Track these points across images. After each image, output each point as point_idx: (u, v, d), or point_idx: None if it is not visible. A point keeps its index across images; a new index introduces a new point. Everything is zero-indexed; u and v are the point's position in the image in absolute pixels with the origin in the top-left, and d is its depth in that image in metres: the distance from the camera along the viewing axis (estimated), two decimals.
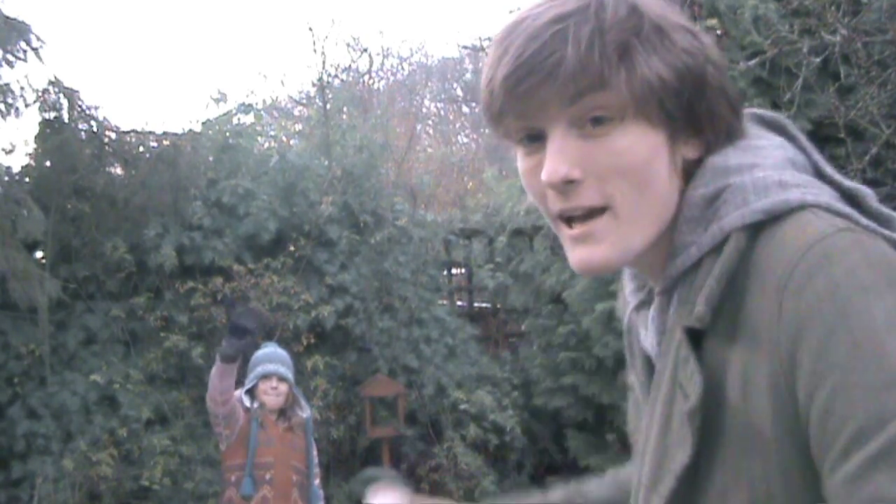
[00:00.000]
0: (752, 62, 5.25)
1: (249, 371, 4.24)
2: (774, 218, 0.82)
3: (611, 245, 0.86)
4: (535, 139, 0.86)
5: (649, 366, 0.98)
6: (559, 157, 0.84)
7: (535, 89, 0.82)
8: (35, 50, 6.03)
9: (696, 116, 0.86)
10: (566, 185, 0.84)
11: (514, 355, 7.68)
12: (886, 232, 0.83)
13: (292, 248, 6.65)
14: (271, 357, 4.28)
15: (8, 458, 5.89)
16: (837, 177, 0.90)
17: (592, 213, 0.86)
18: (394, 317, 6.87)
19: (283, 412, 4.15)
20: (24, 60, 6.04)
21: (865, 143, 5.28)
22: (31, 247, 6.24)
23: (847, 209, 0.85)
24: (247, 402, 4.11)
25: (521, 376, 7.25)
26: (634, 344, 1.02)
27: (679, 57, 0.84)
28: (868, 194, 0.89)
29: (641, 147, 0.84)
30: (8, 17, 5.98)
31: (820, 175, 0.90)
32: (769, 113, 0.96)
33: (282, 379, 4.17)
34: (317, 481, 4.27)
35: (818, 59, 5.07)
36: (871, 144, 5.18)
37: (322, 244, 6.83)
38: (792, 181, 0.85)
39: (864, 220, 0.84)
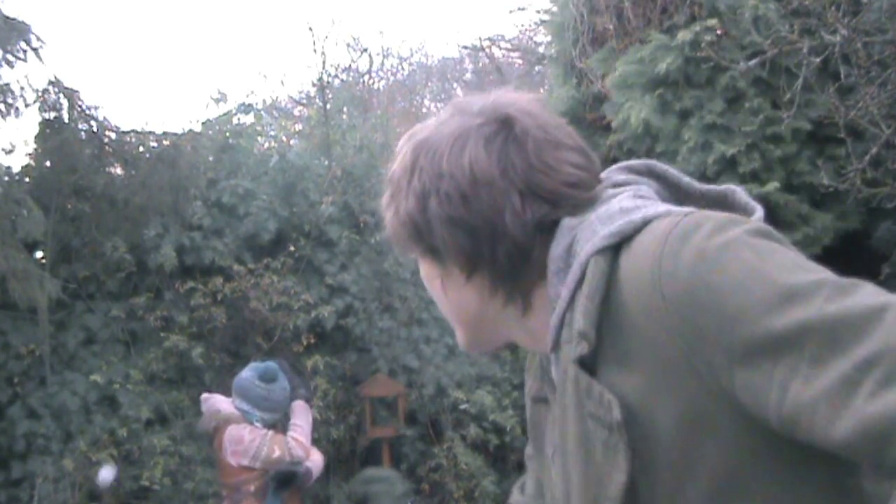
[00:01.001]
0: (752, 62, 5.25)
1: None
2: (627, 239, 0.89)
3: (457, 336, 1.10)
4: None
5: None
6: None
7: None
8: (35, 50, 6.03)
9: (434, 247, 1.01)
10: None
11: (514, 355, 7.67)
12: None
13: (292, 248, 6.65)
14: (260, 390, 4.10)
15: (8, 458, 5.89)
16: (704, 188, 1.00)
17: None
18: (394, 317, 6.87)
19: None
20: (24, 60, 6.04)
21: (865, 143, 5.27)
22: (31, 247, 6.24)
23: (687, 209, 0.91)
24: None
25: (521, 376, 7.19)
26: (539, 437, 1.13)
27: (402, 208, 1.05)
28: (735, 190, 0.98)
29: (424, 273, 1.07)
30: (8, 17, 5.97)
31: (687, 195, 1.00)
32: (636, 161, 1.05)
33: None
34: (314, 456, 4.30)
35: (818, 59, 5.06)
36: (871, 144, 5.18)
37: (322, 244, 6.83)
38: (632, 206, 0.92)
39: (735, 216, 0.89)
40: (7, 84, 6.02)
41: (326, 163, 7.23)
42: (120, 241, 6.28)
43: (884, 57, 5.18)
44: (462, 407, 6.66)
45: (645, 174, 1.02)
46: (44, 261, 6.26)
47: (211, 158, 7.08)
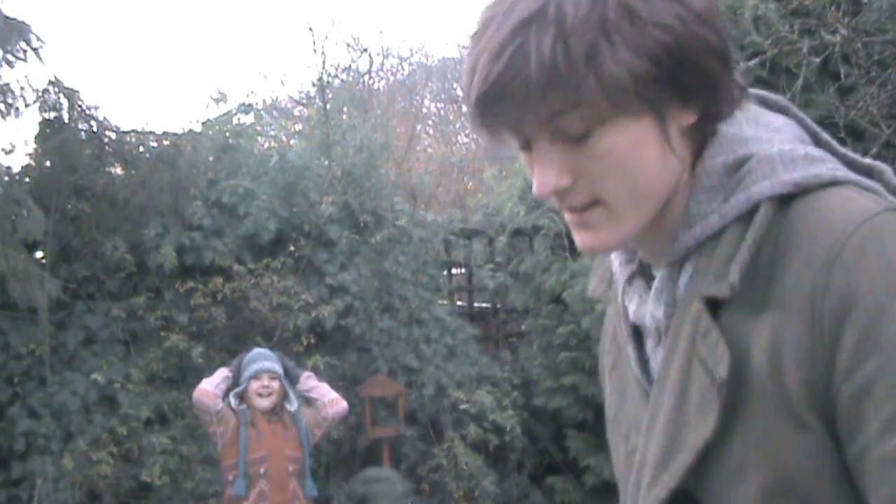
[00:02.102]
0: (752, 62, 5.25)
1: (241, 374, 4.30)
2: (804, 191, 0.81)
3: (606, 232, 0.86)
4: (524, 146, 0.86)
5: (639, 340, 0.97)
6: (545, 170, 0.84)
7: (507, 112, 0.80)
8: (35, 50, 6.03)
9: (684, 89, 0.82)
10: (558, 193, 0.85)
11: (514, 355, 7.68)
12: None
13: (292, 248, 6.65)
14: (258, 356, 4.35)
15: (8, 457, 5.89)
16: (851, 155, 0.89)
17: (587, 205, 0.86)
18: (394, 317, 6.87)
19: (273, 409, 4.22)
20: (24, 60, 6.04)
21: (865, 143, 5.27)
22: (31, 247, 6.24)
23: (875, 185, 0.84)
24: (233, 404, 4.16)
25: (521, 376, 7.25)
26: (619, 320, 1.01)
27: (654, 38, 0.78)
28: (885, 170, 0.88)
29: (624, 143, 0.81)
30: (8, 17, 5.97)
31: (833, 153, 0.89)
32: (772, 95, 0.94)
33: (273, 376, 4.21)
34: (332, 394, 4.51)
35: (818, 59, 5.06)
36: (871, 144, 5.18)
37: (322, 244, 6.83)
38: (818, 156, 0.85)
39: (891, 198, 0.83)
40: (7, 84, 6.02)
41: (326, 163, 7.24)
42: (120, 241, 6.28)
43: (884, 57, 5.18)
44: (462, 407, 6.67)
45: (781, 113, 0.93)
46: (44, 261, 6.26)
47: (211, 158, 7.08)
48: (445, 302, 7.70)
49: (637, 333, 0.97)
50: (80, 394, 6.00)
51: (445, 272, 8.12)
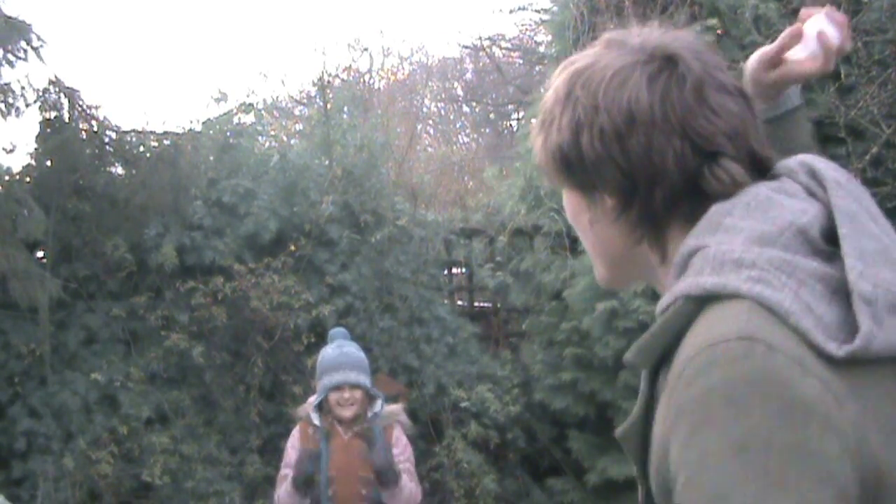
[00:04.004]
0: None
1: (318, 379, 3.75)
2: (717, 296, 0.87)
3: (595, 270, 1.11)
4: None
5: None
6: None
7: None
8: (35, 49, 6.03)
9: (585, 183, 0.99)
10: None
11: (514, 354, 7.68)
12: (809, 330, 0.82)
13: (293, 248, 6.65)
14: (338, 361, 3.71)
15: (9, 457, 5.89)
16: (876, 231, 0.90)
17: None
18: (394, 316, 6.87)
19: (354, 421, 3.68)
20: (25, 60, 6.04)
21: (866, 142, 5.28)
22: (32, 246, 6.24)
23: (785, 304, 0.83)
24: (316, 421, 3.67)
25: (521, 375, 7.24)
26: None
27: (552, 140, 1.00)
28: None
29: (569, 206, 1.06)
30: (8, 17, 5.97)
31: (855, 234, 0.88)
32: (829, 167, 0.95)
33: (354, 386, 3.67)
34: (411, 484, 3.72)
35: None
36: (871, 144, 5.18)
37: (322, 244, 6.83)
38: (748, 261, 0.87)
39: (798, 320, 0.83)
40: (8, 84, 6.02)
41: (327, 162, 7.24)
42: (120, 240, 6.28)
43: (884, 57, 5.18)
44: (463, 405, 6.67)
45: (818, 187, 0.95)
46: (44, 260, 6.26)
47: (211, 158, 7.09)
48: (446, 301, 7.70)
49: None
50: (80, 393, 6.01)
51: (446, 272, 8.12)
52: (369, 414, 3.72)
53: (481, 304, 8.32)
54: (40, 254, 6.39)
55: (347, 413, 3.65)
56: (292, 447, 3.72)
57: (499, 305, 8.13)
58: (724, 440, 0.78)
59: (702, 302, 0.88)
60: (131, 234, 6.35)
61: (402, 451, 3.77)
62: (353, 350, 3.81)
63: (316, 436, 3.66)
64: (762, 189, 0.93)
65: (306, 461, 3.58)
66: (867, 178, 5.04)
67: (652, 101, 0.92)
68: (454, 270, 8.48)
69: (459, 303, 8.21)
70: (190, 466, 5.99)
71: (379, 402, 3.76)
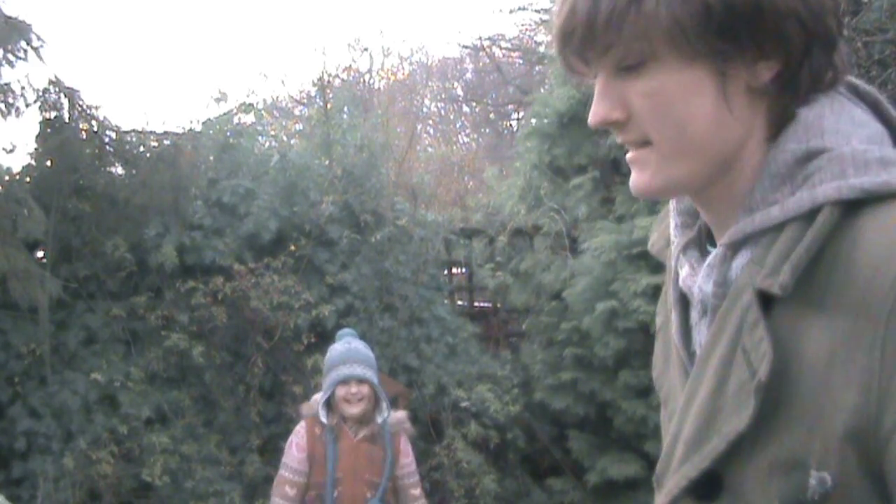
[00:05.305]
0: None
1: (324, 375, 3.70)
2: (873, 198, 0.78)
3: (652, 174, 0.88)
4: (595, 77, 0.90)
5: (685, 306, 0.97)
6: (599, 101, 0.88)
7: (573, 45, 0.86)
8: (35, 49, 6.03)
9: (746, 46, 0.81)
10: (613, 125, 0.88)
11: (514, 354, 7.69)
12: None
13: (293, 248, 6.65)
14: (346, 356, 3.65)
15: (9, 457, 5.89)
16: None
17: (642, 143, 0.88)
18: (394, 316, 6.88)
19: (362, 419, 3.62)
20: (25, 60, 6.04)
21: None
22: (32, 246, 6.24)
23: None
24: (324, 418, 3.59)
25: (521, 375, 7.25)
26: (671, 282, 1.00)
27: None
28: None
29: (673, 86, 0.83)
30: (8, 17, 5.97)
31: None
32: (864, 85, 0.91)
33: (361, 381, 3.60)
34: (416, 490, 3.76)
35: None
36: None
37: (323, 244, 6.83)
38: (893, 159, 0.81)
39: None
40: (7, 84, 6.02)
41: (327, 162, 7.24)
42: (120, 240, 6.28)
43: (884, 57, 5.18)
44: (463, 405, 6.67)
45: (870, 107, 0.89)
46: (44, 260, 6.26)
47: (211, 158, 7.09)
48: (446, 301, 7.71)
49: (684, 300, 0.97)
50: (80, 393, 6.01)
51: (446, 272, 8.13)
52: (378, 419, 3.65)
53: (481, 304, 8.33)
54: (40, 254, 6.39)
55: (355, 410, 3.57)
56: (297, 447, 3.61)
57: (499, 305, 8.13)
58: None
59: (853, 207, 0.78)
60: (131, 234, 6.35)
61: (410, 461, 3.77)
62: (361, 346, 3.75)
63: (323, 436, 3.58)
64: (828, 94, 0.86)
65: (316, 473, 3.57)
66: None
67: None
68: (454, 270, 8.49)
69: (459, 303, 8.22)
70: (190, 466, 5.99)
71: (385, 406, 3.69)
